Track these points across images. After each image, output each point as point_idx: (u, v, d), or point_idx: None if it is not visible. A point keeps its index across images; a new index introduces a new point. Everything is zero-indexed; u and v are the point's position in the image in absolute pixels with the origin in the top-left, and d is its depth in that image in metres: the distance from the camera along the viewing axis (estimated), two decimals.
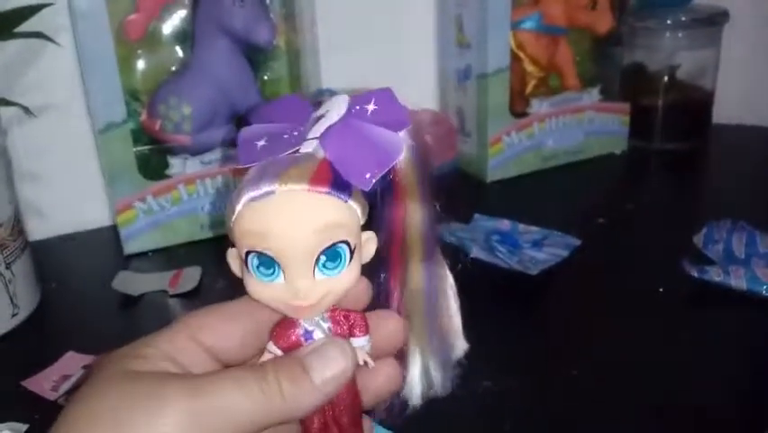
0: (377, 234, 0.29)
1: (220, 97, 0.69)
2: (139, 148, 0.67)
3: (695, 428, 0.44)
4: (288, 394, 0.26)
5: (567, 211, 0.72)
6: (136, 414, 0.24)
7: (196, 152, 0.68)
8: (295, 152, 0.27)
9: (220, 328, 0.29)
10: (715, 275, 0.56)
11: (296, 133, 0.28)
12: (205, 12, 0.67)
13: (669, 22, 0.84)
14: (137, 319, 0.58)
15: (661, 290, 0.57)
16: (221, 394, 0.25)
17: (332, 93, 0.82)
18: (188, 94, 0.68)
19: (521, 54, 0.82)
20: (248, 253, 0.26)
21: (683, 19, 0.84)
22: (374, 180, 0.26)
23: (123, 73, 0.64)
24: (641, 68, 0.87)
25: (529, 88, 0.84)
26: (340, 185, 0.26)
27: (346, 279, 0.27)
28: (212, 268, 0.63)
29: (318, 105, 0.30)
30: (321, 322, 0.28)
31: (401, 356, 0.31)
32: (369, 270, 0.29)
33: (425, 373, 0.32)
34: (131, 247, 0.67)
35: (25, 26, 0.54)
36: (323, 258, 0.26)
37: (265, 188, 0.26)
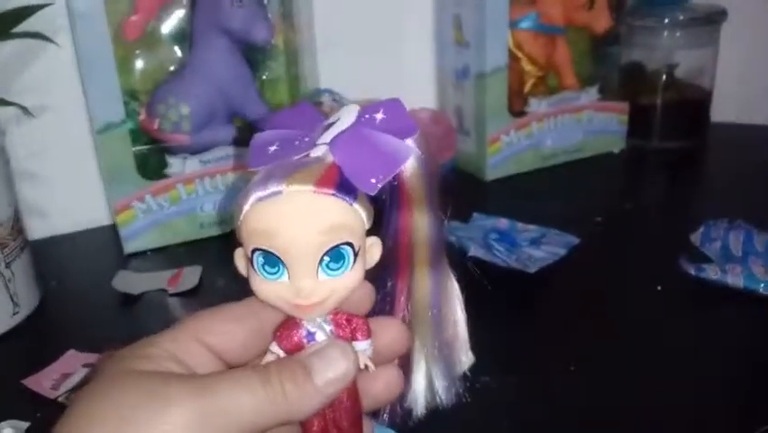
0: (384, 241, 0.29)
1: (218, 97, 0.69)
2: (138, 148, 0.67)
3: (693, 425, 0.44)
4: (291, 396, 0.26)
5: (565, 210, 0.73)
6: (140, 413, 0.25)
7: (194, 151, 0.68)
8: (305, 157, 0.28)
9: (224, 329, 0.29)
10: (712, 273, 0.56)
11: (306, 139, 0.28)
12: (203, 12, 0.67)
13: (667, 21, 0.84)
14: (137, 318, 0.58)
15: (659, 288, 0.57)
16: (225, 395, 0.26)
17: (330, 93, 0.82)
18: (187, 93, 0.68)
19: (519, 53, 0.82)
20: (254, 251, 0.27)
21: (681, 18, 0.84)
22: (380, 185, 0.27)
23: (121, 73, 0.64)
24: (639, 67, 0.87)
25: (527, 88, 0.84)
26: (346, 188, 0.27)
27: (349, 280, 0.28)
28: (211, 267, 0.63)
29: (319, 104, 0.30)
30: (323, 324, 0.29)
31: (406, 364, 0.32)
32: (375, 276, 0.30)
33: (430, 381, 0.32)
34: (130, 246, 0.67)
35: (24, 26, 0.55)
36: (326, 259, 0.27)
37: (272, 189, 0.26)
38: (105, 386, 0.26)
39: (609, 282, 0.59)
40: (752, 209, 0.67)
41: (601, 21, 0.82)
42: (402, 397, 0.32)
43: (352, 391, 0.29)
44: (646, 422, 0.44)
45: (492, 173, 0.80)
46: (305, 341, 0.28)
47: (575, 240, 0.63)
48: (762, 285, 0.54)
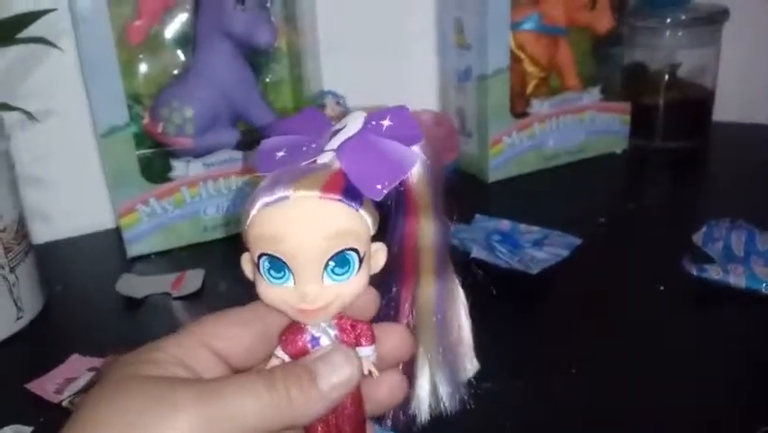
0: (389, 247, 0.30)
1: (222, 100, 0.69)
2: (141, 151, 0.67)
3: (695, 425, 0.44)
4: (296, 401, 0.26)
5: (568, 211, 0.73)
6: (146, 419, 0.25)
7: (198, 154, 0.68)
8: (311, 163, 0.28)
9: (229, 333, 0.29)
10: (714, 273, 0.56)
11: (313, 146, 0.29)
12: (206, 15, 0.67)
13: (669, 20, 0.84)
14: (141, 322, 0.59)
15: (661, 288, 0.57)
16: (231, 400, 0.26)
17: (333, 95, 0.82)
18: (190, 97, 0.68)
19: (521, 55, 0.82)
20: (260, 256, 0.27)
21: (683, 18, 0.84)
22: (385, 191, 0.27)
23: (125, 77, 0.64)
24: (641, 67, 0.87)
25: (530, 89, 0.84)
26: (351, 194, 0.27)
27: (354, 286, 0.28)
28: (214, 270, 0.63)
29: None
30: (328, 329, 0.29)
31: (410, 370, 0.32)
32: (379, 282, 0.30)
33: (434, 387, 0.32)
34: (134, 250, 0.67)
35: (28, 32, 0.55)
36: (332, 264, 0.27)
37: (279, 194, 0.26)
38: (111, 391, 0.26)
39: (612, 283, 0.59)
40: (754, 209, 0.67)
41: (603, 21, 0.82)
42: (406, 403, 0.32)
43: (356, 397, 0.29)
44: (649, 423, 0.44)
45: (494, 174, 0.80)
46: (309, 346, 0.29)
47: (578, 241, 0.63)
48: (764, 285, 0.54)
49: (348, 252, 0.27)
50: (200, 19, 0.68)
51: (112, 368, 0.27)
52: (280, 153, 0.29)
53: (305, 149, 0.29)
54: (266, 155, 0.29)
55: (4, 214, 0.54)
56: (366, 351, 0.29)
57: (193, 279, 0.62)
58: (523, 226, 0.66)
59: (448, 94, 0.84)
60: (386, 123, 0.28)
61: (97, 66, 0.62)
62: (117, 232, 0.69)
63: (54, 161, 0.71)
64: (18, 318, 0.56)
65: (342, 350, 0.28)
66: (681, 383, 0.47)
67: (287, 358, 0.29)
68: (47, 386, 0.49)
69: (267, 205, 0.27)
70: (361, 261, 0.28)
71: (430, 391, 0.32)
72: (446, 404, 0.32)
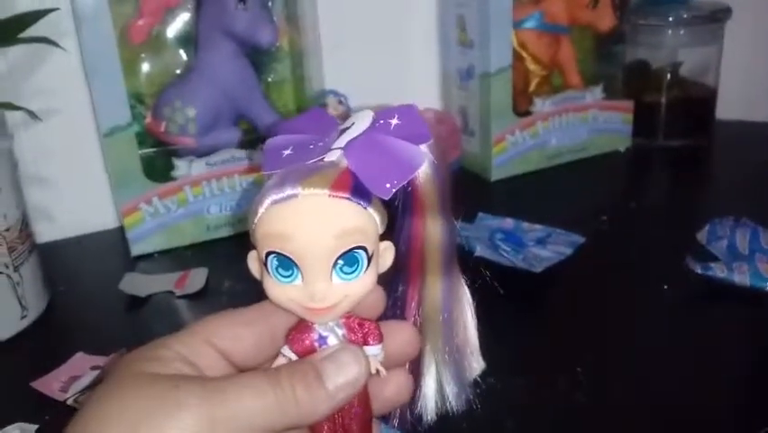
0: (396, 246, 0.29)
1: (224, 99, 0.69)
2: (144, 151, 0.68)
3: (699, 424, 0.44)
4: (302, 400, 0.26)
5: (571, 209, 0.73)
6: (151, 416, 0.25)
7: (200, 153, 0.69)
8: (319, 161, 0.28)
9: (235, 332, 0.29)
10: (718, 271, 0.56)
11: (320, 144, 0.29)
12: (208, 15, 0.67)
13: (671, 19, 0.84)
14: (144, 320, 0.59)
15: (665, 286, 0.57)
16: (236, 399, 0.26)
17: (336, 94, 0.82)
18: (192, 96, 0.68)
19: (523, 53, 0.82)
20: (268, 254, 0.27)
21: (685, 16, 0.84)
22: (394, 190, 0.27)
23: (127, 77, 0.64)
24: (644, 65, 0.87)
25: (532, 87, 0.84)
26: (360, 192, 0.27)
27: (362, 285, 0.28)
28: (218, 269, 0.63)
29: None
30: (335, 328, 0.29)
31: (416, 368, 0.32)
32: (386, 281, 0.30)
33: (440, 386, 0.32)
34: (137, 249, 0.67)
35: (30, 31, 0.55)
36: (340, 262, 0.27)
37: (288, 192, 0.26)
38: (116, 389, 0.26)
39: (616, 282, 0.59)
40: (757, 207, 0.67)
41: (605, 19, 0.82)
42: (412, 401, 0.32)
43: (363, 396, 0.29)
44: (652, 421, 0.44)
45: (497, 173, 0.80)
46: (316, 345, 0.29)
47: (581, 239, 0.63)
48: None
49: (357, 250, 0.27)
50: (202, 18, 0.68)
51: (117, 366, 0.27)
52: (287, 152, 0.29)
53: (312, 147, 0.29)
54: (272, 154, 0.29)
55: (8, 213, 0.54)
56: (373, 350, 0.29)
57: (196, 277, 0.62)
58: (526, 225, 0.66)
59: (450, 92, 0.84)
60: (394, 121, 0.28)
61: (100, 65, 0.62)
62: (121, 231, 0.69)
63: (57, 160, 0.71)
64: (23, 317, 0.56)
65: (349, 349, 0.28)
66: (684, 382, 0.47)
67: (293, 357, 0.29)
68: (52, 384, 0.49)
69: (275, 202, 0.27)
70: (369, 259, 0.27)
71: (436, 390, 0.32)
72: (452, 403, 0.32)
